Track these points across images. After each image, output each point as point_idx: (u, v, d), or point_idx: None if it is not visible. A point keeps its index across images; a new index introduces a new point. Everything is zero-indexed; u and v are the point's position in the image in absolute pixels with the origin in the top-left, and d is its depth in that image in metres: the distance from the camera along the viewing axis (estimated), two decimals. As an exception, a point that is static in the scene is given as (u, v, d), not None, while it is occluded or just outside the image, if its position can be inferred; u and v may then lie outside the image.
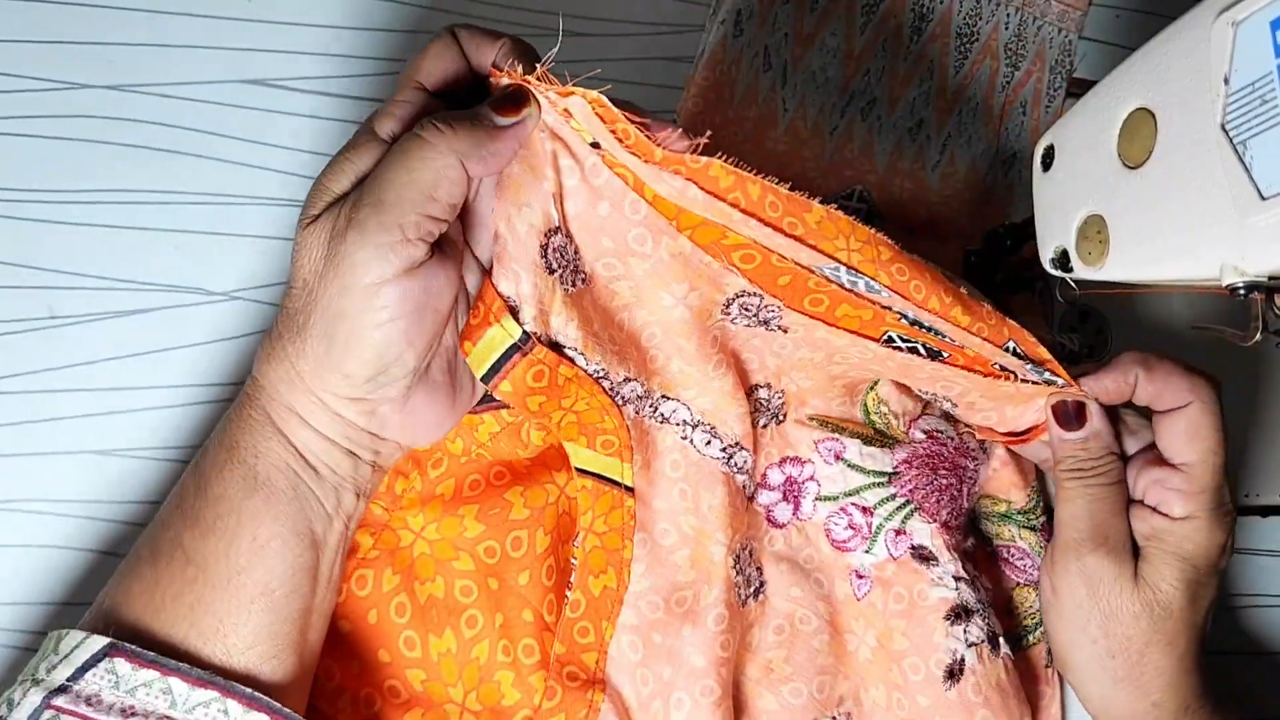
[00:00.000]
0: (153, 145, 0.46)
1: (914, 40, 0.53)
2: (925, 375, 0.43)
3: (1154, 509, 0.41)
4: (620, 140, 0.36)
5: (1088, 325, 0.54)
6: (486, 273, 0.38)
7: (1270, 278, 0.32)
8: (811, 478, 0.45)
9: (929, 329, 0.41)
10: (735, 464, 0.44)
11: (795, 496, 0.45)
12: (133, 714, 0.32)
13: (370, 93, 0.48)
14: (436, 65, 0.36)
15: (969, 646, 0.43)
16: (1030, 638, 0.48)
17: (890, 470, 0.45)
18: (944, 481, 0.45)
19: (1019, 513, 0.48)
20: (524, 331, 0.38)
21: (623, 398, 0.42)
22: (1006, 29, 0.55)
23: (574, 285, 0.40)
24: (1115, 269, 0.38)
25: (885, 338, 0.42)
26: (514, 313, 0.38)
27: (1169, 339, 0.55)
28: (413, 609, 0.42)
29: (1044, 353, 0.41)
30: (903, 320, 0.41)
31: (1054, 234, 0.41)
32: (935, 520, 0.45)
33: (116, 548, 0.42)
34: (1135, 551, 0.41)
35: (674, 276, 0.41)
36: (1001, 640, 0.44)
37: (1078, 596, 0.41)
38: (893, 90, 0.53)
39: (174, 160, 0.46)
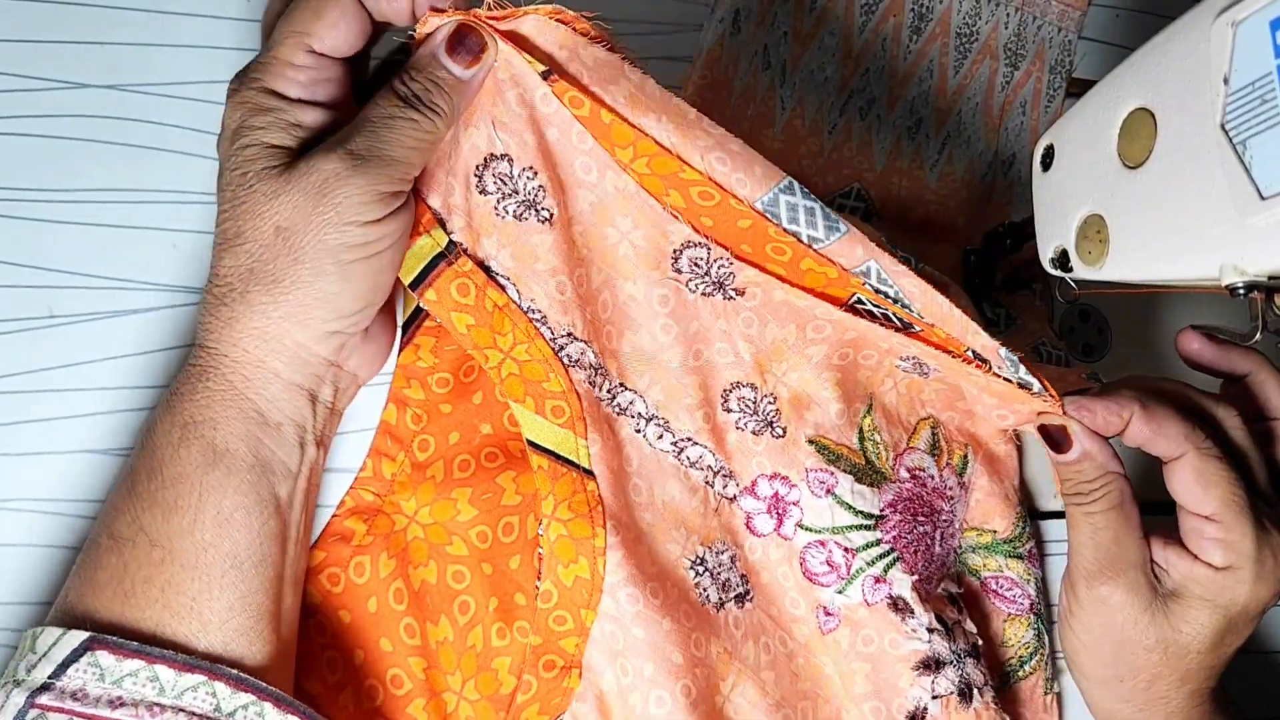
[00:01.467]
0: (152, 145, 0.45)
1: (913, 40, 0.53)
2: (892, 348, 0.43)
3: (1195, 556, 0.39)
4: (586, 35, 0.38)
5: (1088, 325, 0.54)
6: (415, 188, 0.39)
7: (1270, 277, 0.32)
8: (797, 503, 0.44)
9: (895, 299, 0.40)
10: (688, 458, 0.44)
11: (780, 514, 0.44)
12: (121, 704, 0.32)
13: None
14: (337, 34, 0.36)
15: (934, 698, 0.43)
16: (1024, 670, 0.47)
17: (877, 513, 0.44)
18: (922, 530, 0.45)
19: (1004, 542, 0.47)
20: (450, 241, 0.39)
21: (569, 357, 0.41)
22: (1006, 29, 0.55)
23: (517, 218, 0.40)
24: (1115, 269, 0.38)
25: (853, 300, 0.41)
26: (443, 224, 0.40)
27: (1169, 339, 0.55)
28: (409, 595, 0.42)
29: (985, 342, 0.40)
30: (867, 285, 0.40)
31: (1054, 234, 0.41)
32: (915, 573, 0.44)
33: (116, 547, 0.42)
34: (1157, 577, 0.40)
35: (619, 210, 0.41)
36: (978, 691, 0.43)
37: (1090, 621, 0.41)
38: (891, 89, 0.53)
39: (173, 160, 0.45)
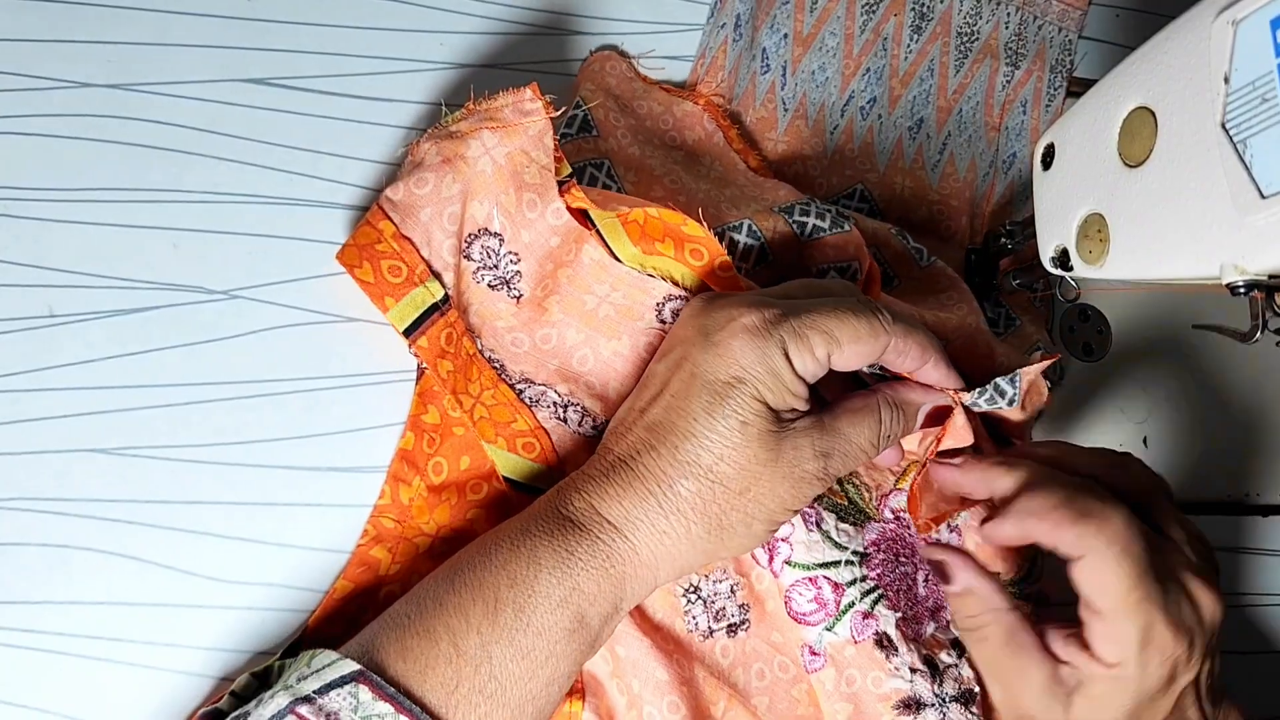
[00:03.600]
0: (152, 144, 0.45)
1: (914, 39, 0.54)
2: None
3: (1089, 650, 0.38)
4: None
5: (1088, 325, 0.54)
6: (405, 238, 0.42)
7: (1270, 276, 0.32)
8: (786, 539, 0.44)
9: None
10: None
11: (770, 548, 0.44)
12: None
13: (370, 92, 0.48)
14: (854, 358, 0.38)
15: None
16: None
17: (862, 550, 0.45)
18: (904, 570, 0.45)
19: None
20: (445, 294, 0.42)
21: (530, 399, 0.44)
22: (1006, 28, 0.55)
23: (490, 287, 0.44)
24: (1115, 268, 0.38)
25: None
26: (438, 277, 0.42)
27: (1169, 339, 0.55)
28: None
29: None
30: None
31: (1054, 233, 0.41)
32: (897, 610, 0.44)
33: (114, 548, 0.42)
34: (1062, 678, 0.39)
35: (595, 279, 0.44)
36: None
37: None
38: (892, 89, 0.53)
39: (173, 159, 0.45)
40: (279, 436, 0.44)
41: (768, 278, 0.45)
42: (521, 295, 0.44)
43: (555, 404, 0.44)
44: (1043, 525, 0.38)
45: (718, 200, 0.47)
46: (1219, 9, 0.33)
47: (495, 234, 0.43)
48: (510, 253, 0.44)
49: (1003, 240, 0.50)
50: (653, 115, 0.50)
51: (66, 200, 0.44)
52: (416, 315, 0.42)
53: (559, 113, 0.42)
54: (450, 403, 0.43)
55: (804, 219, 0.45)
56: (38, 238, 0.44)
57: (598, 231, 0.44)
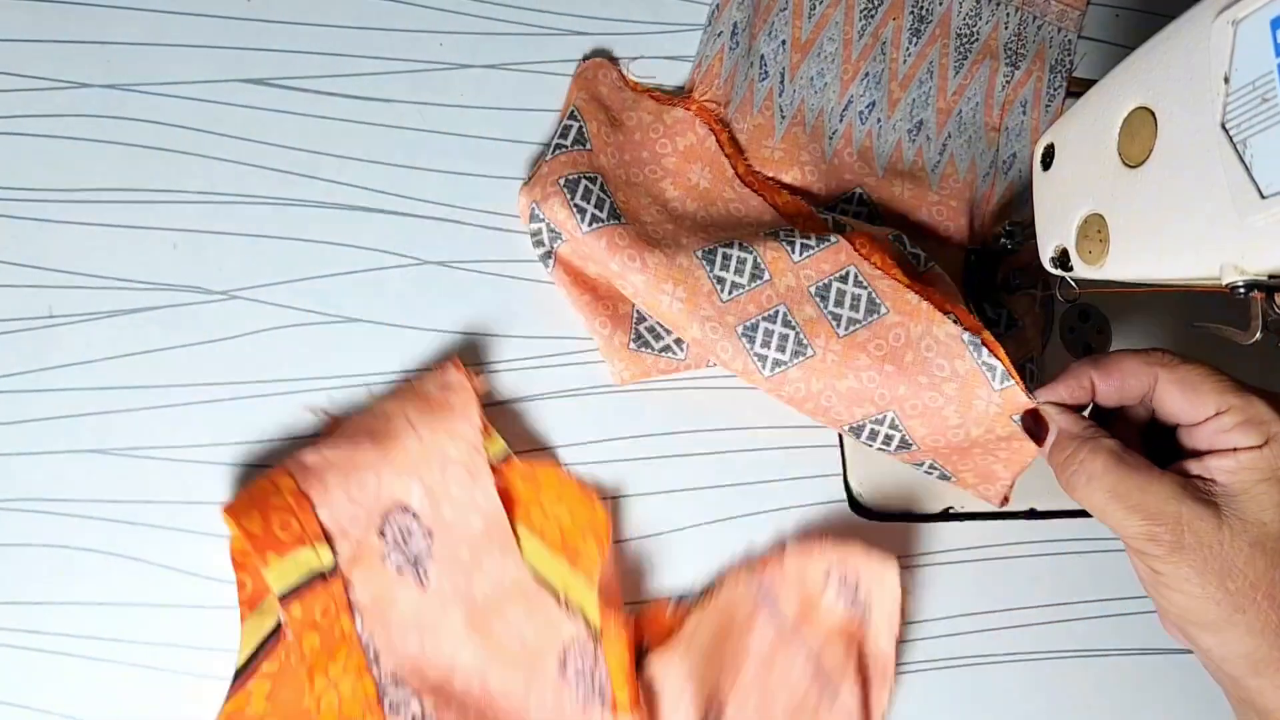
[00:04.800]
0: (151, 144, 0.45)
1: (913, 42, 0.53)
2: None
3: (1234, 449, 0.37)
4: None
5: (1088, 325, 0.54)
6: (303, 494, 0.40)
7: (1270, 276, 0.32)
8: None
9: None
10: None
11: None
12: None
13: (370, 93, 0.48)
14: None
15: None
16: None
17: None
18: None
19: None
20: (335, 563, 0.40)
21: (390, 704, 0.41)
22: (1006, 29, 0.55)
23: (397, 570, 0.41)
24: (1115, 268, 0.38)
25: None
26: (330, 543, 0.40)
27: (1169, 338, 0.55)
28: None
29: (987, 336, 0.42)
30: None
31: (1054, 233, 0.41)
32: None
33: (115, 548, 0.42)
34: (1207, 491, 0.37)
35: (509, 600, 0.43)
36: None
37: (1181, 573, 0.37)
38: (891, 93, 0.53)
39: (172, 159, 0.45)
40: (278, 437, 0.44)
41: (769, 293, 0.45)
42: (427, 580, 0.42)
43: (414, 717, 0.41)
44: (1106, 366, 0.39)
45: (705, 223, 0.47)
46: (1219, 9, 0.33)
47: (413, 513, 0.42)
48: (426, 531, 0.42)
49: (1003, 241, 0.50)
50: (642, 125, 0.50)
51: (65, 200, 0.44)
52: (297, 578, 0.39)
53: (478, 383, 0.42)
54: (305, 682, 0.40)
55: (791, 239, 0.45)
56: (37, 238, 0.44)
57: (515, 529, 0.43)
